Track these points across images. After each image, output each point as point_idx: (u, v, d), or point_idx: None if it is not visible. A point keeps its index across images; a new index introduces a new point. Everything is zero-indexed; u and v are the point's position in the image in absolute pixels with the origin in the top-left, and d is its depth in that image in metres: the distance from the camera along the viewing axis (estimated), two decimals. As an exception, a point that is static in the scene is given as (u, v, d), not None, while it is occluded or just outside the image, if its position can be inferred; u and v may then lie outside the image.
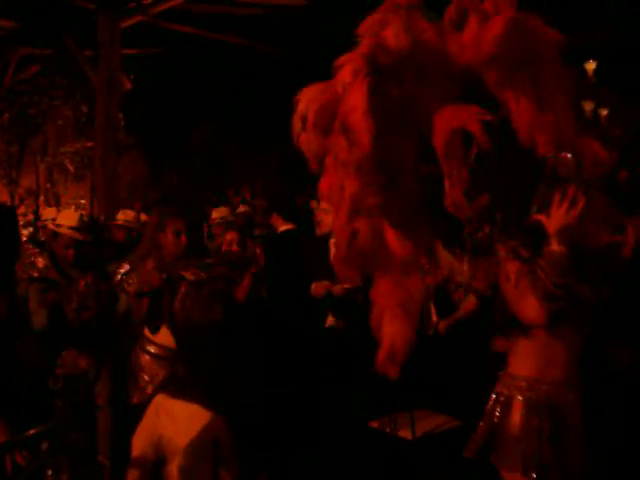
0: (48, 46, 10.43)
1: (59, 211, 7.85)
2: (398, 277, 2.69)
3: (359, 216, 2.55)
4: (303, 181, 13.14)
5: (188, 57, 11.90)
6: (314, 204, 7.32)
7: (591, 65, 13.02)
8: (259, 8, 10.02)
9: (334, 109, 2.47)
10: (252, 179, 10.44)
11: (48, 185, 13.37)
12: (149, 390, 4.11)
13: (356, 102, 2.36)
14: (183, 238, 4.24)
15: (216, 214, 8.14)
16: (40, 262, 4.86)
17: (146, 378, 4.24)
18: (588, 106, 12.61)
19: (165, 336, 4.16)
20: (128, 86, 10.01)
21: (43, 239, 6.70)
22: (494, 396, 2.71)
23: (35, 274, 4.74)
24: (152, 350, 4.27)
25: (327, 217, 5.67)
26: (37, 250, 5.31)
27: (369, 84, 2.35)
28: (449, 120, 2.37)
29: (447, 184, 2.40)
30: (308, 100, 2.58)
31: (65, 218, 4.98)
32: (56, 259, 4.77)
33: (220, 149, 13.40)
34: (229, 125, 13.28)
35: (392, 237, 2.54)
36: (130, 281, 4.25)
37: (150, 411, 3.34)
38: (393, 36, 2.41)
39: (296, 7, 9.93)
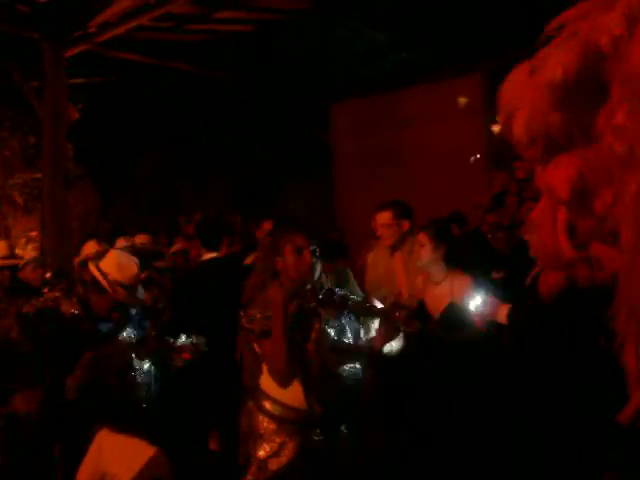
0: (-7, 78, 10.28)
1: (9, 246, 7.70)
2: None
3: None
4: (254, 207, 13.18)
5: (137, 85, 11.83)
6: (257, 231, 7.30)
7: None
8: (207, 34, 9.99)
9: (594, 72, 1.76)
10: (204, 206, 10.35)
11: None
12: (272, 466, 3.28)
13: None
14: (307, 255, 3.43)
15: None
16: None
17: (267, 448, 3.37)
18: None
19: (294, 392, 3.39)
20: (76, 116, 9.89)
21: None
22: None
23: None
24: (275, 411, 3.37)
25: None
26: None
27: None
28: None
29: None
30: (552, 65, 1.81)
31: None
32: None
33: (171, 177, 13.29)
34: (179, 153, 13.19)
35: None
36: (252, 317, 3.23)
37: (93, 448, 3.24)
38: None
39: (244, 33, 9.93)
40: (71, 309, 4.11)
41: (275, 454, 3.28)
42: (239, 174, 13.59)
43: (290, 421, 3.37)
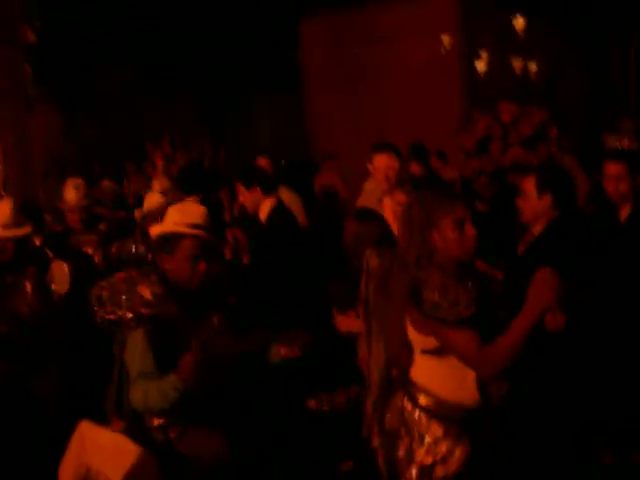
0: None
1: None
2: None
3: None
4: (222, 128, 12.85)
5: (98, 1, 11.34)
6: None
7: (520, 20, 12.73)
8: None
9: None
10: (171, 128, 10.03)
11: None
12: (439, 473, 2.84)
13: None
14: (469, 229, 2.81)
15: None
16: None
17: (433, 453, 2.87)
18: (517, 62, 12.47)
19: (460, 384, 2.92)
20: (32, 37, 9.43)
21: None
22: None
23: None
24: (434, 407, 2.90)
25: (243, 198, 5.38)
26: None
27: None
28: None
29: None
30: None
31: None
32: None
33: (136, 97, 12.88)
34: (144, 72, 12.76)
35: None
36: (437, 305, 2.71)
37: (74, 441, 3.10)
38: None
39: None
40: (150, 290, 3.15)
41: (442, 460, 2.88)
42: (206, 93, 13.19)
43: (456, 420, 2.91)
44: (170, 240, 3.16)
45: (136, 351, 3.04)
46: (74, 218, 5.63)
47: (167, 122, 11.97)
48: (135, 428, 3.10)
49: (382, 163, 5.07)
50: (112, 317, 3.09)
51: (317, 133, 12.82)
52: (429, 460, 2.87)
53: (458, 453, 2.86)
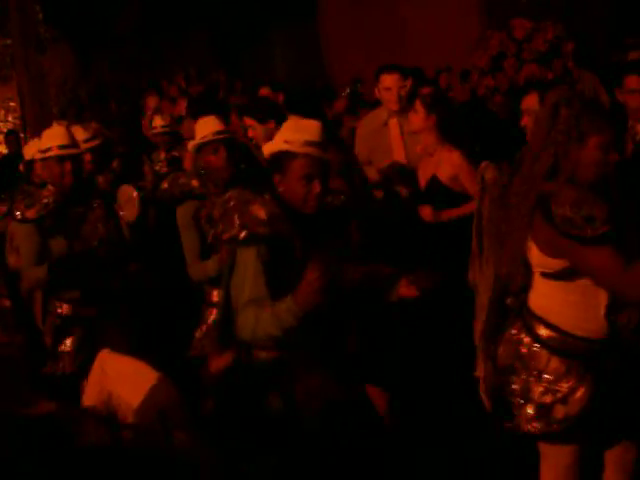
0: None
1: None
2: None
3: None
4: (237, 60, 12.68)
5: None
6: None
7: None
8: None
9: None
10: (185, 63, 9.92)
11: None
12: (558, 414, 2.58)
13: None
14: (613, 155, 2.54)
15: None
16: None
17: (553, 392, 2.58)
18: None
19: (585, 315, 2.62)
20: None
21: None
22: None
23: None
24: (549, 336, 2.60)
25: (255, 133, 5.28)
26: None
27: None
28: None
29: None
30: None
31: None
32: None
33: (149, 34, 12.73)
34: (156, 7, 12.58)
35: None
36: (574, 221, 2.45)
37: (95, 369, 3.13)
38: None
39: None
40: (265, 210, 2.90)
41: (562, 400, 2.59)
42: (219, 26, 12.99)
43: (580, 355, 2.60)
44: (281, 159, 2.93)
45: (247, 274, 2.80)
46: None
47: (182, 58, 11.86)
48: (244, 359, 2.95)
49: (391, 82, 5.00)
50: (225, 236, 2.92)
51: (334, 62, 12.63)
52: (548, 399, 2.59)
53: (581, 393, 2.57)
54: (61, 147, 3.91)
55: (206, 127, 3.96)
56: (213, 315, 3.81)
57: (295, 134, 2.92)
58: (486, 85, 6.61)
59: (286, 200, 2.90)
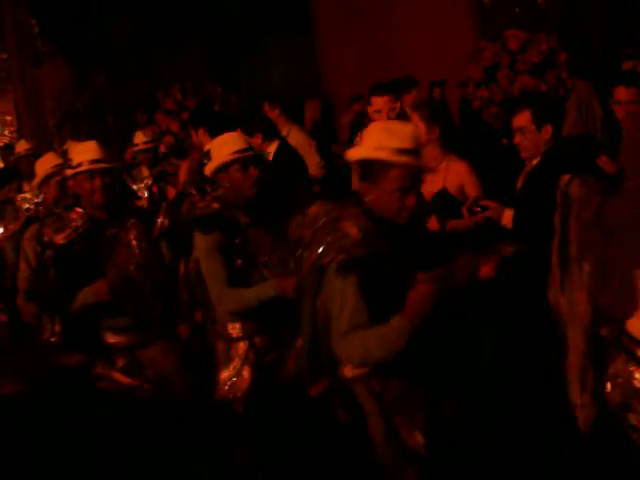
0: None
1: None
2: None
3: None
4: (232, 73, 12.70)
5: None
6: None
7: None
8: None
9: None
10: (181, 76, 9.94)
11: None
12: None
13: None
14: None
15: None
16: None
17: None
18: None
19: None
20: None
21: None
22: None
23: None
24: None
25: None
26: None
27: None
28: None
29: None
30: None
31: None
32: None
33: (145, 46, 12.76)
34: (151, 20, 12.62)
35: None
36: None
37: None
38: None
39: None
40: (357, 227, 2.64)
41: None
42: (214, 38, 13.02)
43: None
44: (373, 168, 2.65)
45: (346, 301, 2.57)
46: None
47: (178, 71, 11.88)
48: (337, 384, 2.79)
49: (381, 104, 5.05)
50: (323, 261, 2.60)
51: (329, 75, 12.66)
52: None
53: None
54: (92, 162, 3.69)
55: (227, 145, 3.64)
56: (242, 351, 3.64)
57: (388, 140, 2.62)
58: (480, 96, 6.64)
59: (374, 210, 2.67)
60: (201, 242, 3.61)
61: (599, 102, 6.98)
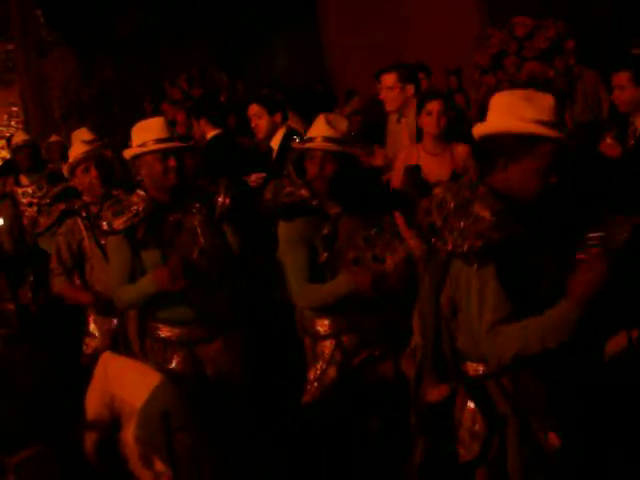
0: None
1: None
2: None
3: None
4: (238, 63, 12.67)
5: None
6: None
7: None
8: None
9: None
10: (186, 66, 9.91)
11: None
12: None
13: None
14: None
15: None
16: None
17: None
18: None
19: None
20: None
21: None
22: None
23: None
24: None
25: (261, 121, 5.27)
26: None
27: None
28: None
29: None
30: None
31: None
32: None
33: (151, 37, 12.74)
34: (157, 11, 12.60)
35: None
36: None
37: (98, 371, 3.09)
38: None
39: None
40: (489, 209, 2.37)
41: None
42: (220, 29, 13.00)
43: None
44: (514, 142, 2.32)
45: (486, 292, 2.31)
46: None
47: (184, 61, 11.85)
48: (464, 385, 2.50)
49: (391, 81, 5.05)
50: (460, 249, 2.30)
51: (336, 63, 12.61)
52: None
53: None
54: (158, 141, 3.36)
55: (318, 129, 3.35)
56: (328, 350, 3.40)
57: (533, 112, 2.31)
58: (487, 83, 6.60)
59: (500, 190, 2.38)
60: (283, 231, 3.41)
61: (605, 91, 6.93)
